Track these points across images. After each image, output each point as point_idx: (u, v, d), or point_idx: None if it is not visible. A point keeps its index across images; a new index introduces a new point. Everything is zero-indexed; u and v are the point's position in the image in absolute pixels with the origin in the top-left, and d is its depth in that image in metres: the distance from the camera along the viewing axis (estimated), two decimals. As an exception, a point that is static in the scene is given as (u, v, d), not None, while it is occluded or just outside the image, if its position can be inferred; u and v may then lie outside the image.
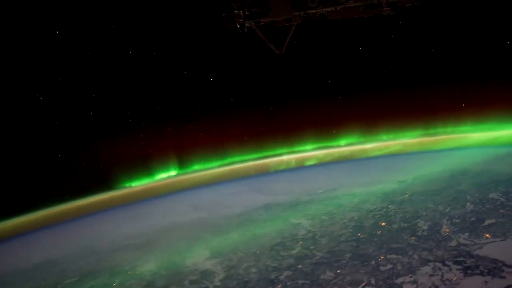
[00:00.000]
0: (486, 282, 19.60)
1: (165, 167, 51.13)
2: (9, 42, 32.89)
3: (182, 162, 52.56)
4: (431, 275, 20.90)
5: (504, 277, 19.57)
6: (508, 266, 20.15)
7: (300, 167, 58.65)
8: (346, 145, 57.57)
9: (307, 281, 22.13)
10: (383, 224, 28.30)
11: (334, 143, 56.71)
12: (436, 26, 38.77)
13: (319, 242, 27.03)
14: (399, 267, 22.05)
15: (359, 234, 27.14)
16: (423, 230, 26.26)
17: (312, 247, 26.32)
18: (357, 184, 40.57)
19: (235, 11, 5.73)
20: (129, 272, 27.28)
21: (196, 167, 55.08)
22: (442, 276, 20.66)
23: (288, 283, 22.24)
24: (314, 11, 5.52)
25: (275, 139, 55.04)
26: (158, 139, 49.30)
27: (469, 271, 20.67)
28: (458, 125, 50.57)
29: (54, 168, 45.05)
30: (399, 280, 20.88)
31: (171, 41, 39.20)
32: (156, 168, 50.19)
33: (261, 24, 5.84)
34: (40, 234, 43.46)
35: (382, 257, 23.46)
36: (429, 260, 22.31)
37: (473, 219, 26.63)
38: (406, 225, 27.48)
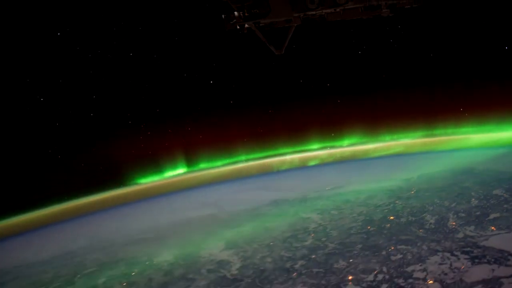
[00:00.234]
0: (493, 270, 20.61)
1: (172, 165, 52.09)
2: (11, 43, 33.24)
3: (187, 161, 53.52)
4: (440, 264, 21.90)
5: (510, 266, 20.60)
6: (513, 255, 21.21)
7: (302, 167, 59.51)
8: (348, 146, 58.48)
9: (321, 270, 23.13)
10: (391, 218, 29.34)
11: (334, 144, 57.58)
12: (435, 31, 39.53)
13: (330, 234, 28.05)
14: (409, 257, 23.06)
15: (368, 227, 28.17)
16: (431, 224, 27.30)
17: (324, 239, 27.33)
18: (363, 182, 41.50)
19: (235, 12, 5.76)
20: (147, 263, 28.20)
21: (202, 165, 55.99)
22: (450, 265, 21.66)
23: (303, 271, 23.22)
24: (314, 12, 5.54)
25: (275, 140, 55.91)
26: (158, 140, 50.04)
27: (476, 260, 21.69)
28: (458, 126, 51.50)
29: (64, 166, 45.85)
30: (409, 269, 21.88)
31: (172, 44, 39.52)
32: (165, 166, 51.16)
33: (260, 25, 5.87)
34: (53, 229, 44.28)
35: (392, 248, 24.49)
36: (437, 251, 23.33)
37: (478, 213, 27.68)
38: (413, 218, 28.52)
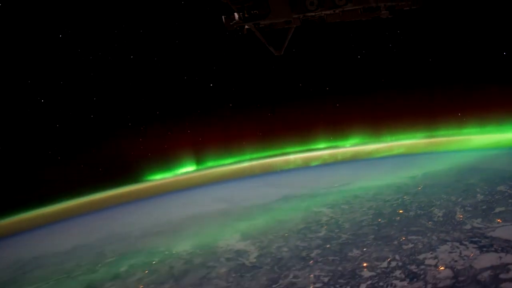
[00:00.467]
0: (500, 257, 21.74)
1: (180, 163, 53.21)
2: (12, 44, 33.56)
3: (195, 159, 54.60)
4: (450, 252, 23.05)
5: (517, 253, 21.80)
6: (520, 245, 22.40)
7: (306, 167, 60.72)
8: (350, 147, 59.73)
9: (336, 258, 24.27)
10: (400, 211, 30.53)
11: (336, 145, 58.79)
12: (433, 35, 40.56)
13: (342, 226, 29.21)
14: (420, 246, 24.22)
15: (379, 220, 29.35)
16: (439, 217, 28.47)
17: (336, 230, 28.49)
18: (369, 179, 42.77)
19: (235, 13, 5.80)
20: (166, 253, 29.30)
21: (209, 164, 57.10)
22: (460, 253, 22.81)
23: (319, 259, 24.36)
24: (313, 13, 5.55)
25: (276, 141, 57.15)
26: (157, 141, 51.04)
27: (484, 249, 22.84)
28: (459, 129, 52.75)
29: (65, 166, 46.47)
30: (421, 256, 23.01)
31: (172, 47, 40.03)
32: (173, 165, 52.31)
33: (260, 26, 5.89)
34: (69, 223, 45.32)
35: (403, 238, 25.65)
36: (447, 240, 24.49)
37: (484, 207, 28.87)
38: (422, 212, 29.71)
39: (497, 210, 27.98)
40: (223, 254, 27.27)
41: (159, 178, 52.60)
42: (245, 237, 29.84)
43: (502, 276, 19.83)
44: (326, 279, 21.91)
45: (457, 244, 23.87)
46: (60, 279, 28.16)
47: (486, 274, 20.17)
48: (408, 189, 36.32)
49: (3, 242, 43.11)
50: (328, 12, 5.53)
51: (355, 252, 24.71)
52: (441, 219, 27.96)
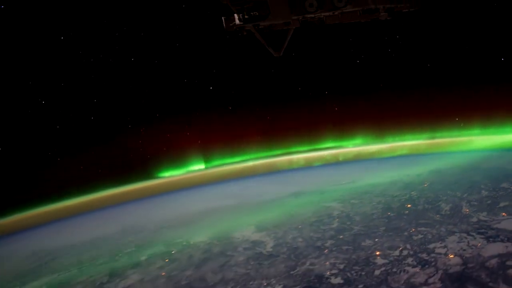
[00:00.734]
0: (506, 246, 22.97)
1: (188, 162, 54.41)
2: (14, 45, 33.91)
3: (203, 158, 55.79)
4: (458, 242, 24.28)
5: (523, 243, 23.06)
6: (526, 236, 23.67)
7: (310, 167, 61.79)
8: (352, 147, 60.94)
9: (350, 247, 25.50)
10: (408, 205, 31.77)
11: (338, 145, 60.01)
12: (432, 40, 41.52)
13: (353, 219, 30.44)
14: (430, 236, 25.45)
15: (388, 213, 30.59)
16: (446, 210, 29.71)
17: (348, 223, 29.72)
18: (375, 177, 43.97)
19: (235, 15, 5.86)
20: (184, 243, 30.46)
21: (214, 163, 58.28)
22: (468, 243, 24.04)
23: (334, 249, 25.59)
24: (312, 15, 5.59)
25: (279, 142, 58.38)
26: (157, 143, 52.04)
27: (491, 239, 24.07)
28: (461, 130, 54.00)
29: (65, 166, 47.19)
30: (431, 246, 24.24)
31: (173, 50, 40.26)
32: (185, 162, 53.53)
33: (260, 27, 5.94)
34: (81, 219, 46.38)
35: (413, 230, 26.89)
36: (455, 232, 25.73)
37: (489, 202, 30.11)
38: (430, 206, 30.95)
39: (502, 204, 29.22)
40: (240, 244, 28.46)
41: (169, 175, 53.83)
42: (259, 229, 31.03)
43: (509, 263, 21.08)
44: (341, 266, 23.14)
45: (465, 235, 25.11)
46: (82, 268, 29.29)
47: (494, 261, 21.41)
48: (414, 186, 37.53)
49: (17, 236, 44.15)
50: (327, 14, 5.59)
51: (368, 242, 25.93)
52: (448, 212, 29.20)
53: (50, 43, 35.03)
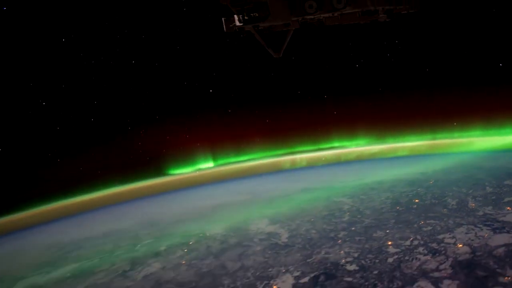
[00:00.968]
0: (512, 237, 24.32)
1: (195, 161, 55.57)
2: (16, 47, 34.50)
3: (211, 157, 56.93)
4: (466, 233, 25.53)
5: (527, 235, 24.31)
6: (530, 228, 24.94)
7: (314, 167, 62.98)
8: (353, 148, 62.25)
9: (362, 238, 26.73)
10: (416, 200, 33.04)
11: (338, 146, 61.27)
12: (431, 44, 42.77)
13: (364, 212, 31.69)
14: (438, 228, 26.70)
15: (397, 207, 31.84)
16: (452, 205, 30.98)
17: (359, 216, 30.97)
18: (382, 175, 45.30)
19: (235, 16, 5.91)
20: (200, 235, 31.65)
21: (223, 161, 59.48)
22: (475, 234, 25.28)
23: (347, 239, 26.81)
24: (312, 16, 5.64)
25: (279, 142, 59.65)
26: (157, 142, 53.10)
27: (497, 230, 25.32)
28: (463, 131, 55.33)
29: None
30: (440, 236, 25.47)
31: (173, 52, 40.82)
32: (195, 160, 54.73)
33: (259, 28, 5.98)
34: (96, 214, 47.53)
35: (422, 222, 28.14)
36: (462, 224, 26.98)
37: (494, 197, 31.39)
38: (437, 201, 32.22)
39: (506, 199, 30.50)
40: (255, 236, 29.67)
41: (178, 173, 55.01)
42: (273, 221, 32.26)
43: (515, 252, 22.35)
44: (356, 255, 24.36)
45: (472, 226, 26.37)
46: (103, 257, 30.44)
47: (501, 250, 22.65)
48: (420, 183, 38.83)
49: (35, 229, 45.25)
50: (326, 15, 5.65)
51: (379, 233, 27.17)
52: (455, 206, 30.47)
53: (51, 45, 35.66)
